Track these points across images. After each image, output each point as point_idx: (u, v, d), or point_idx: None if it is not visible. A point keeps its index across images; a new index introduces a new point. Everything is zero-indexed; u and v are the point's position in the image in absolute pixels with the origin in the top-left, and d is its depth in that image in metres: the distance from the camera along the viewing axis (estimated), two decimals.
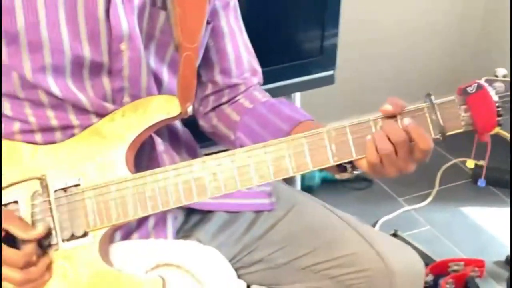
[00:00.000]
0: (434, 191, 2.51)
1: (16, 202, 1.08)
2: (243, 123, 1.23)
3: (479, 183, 2.53)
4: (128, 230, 1.15)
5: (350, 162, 1.04)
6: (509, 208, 2.36)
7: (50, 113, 1.11)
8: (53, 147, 1.11)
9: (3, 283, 1.05)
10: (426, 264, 1.91)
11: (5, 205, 1.08)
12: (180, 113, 1.12)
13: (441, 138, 1.00)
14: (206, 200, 1.19)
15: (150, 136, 1.18)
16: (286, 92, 1.91)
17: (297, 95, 2.05)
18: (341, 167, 1.06)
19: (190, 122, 1.31)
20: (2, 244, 1.03)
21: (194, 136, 1.33)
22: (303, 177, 2.36)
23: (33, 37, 1.05)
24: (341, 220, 1.28)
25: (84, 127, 1.12)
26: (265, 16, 1.80)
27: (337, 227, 1.27)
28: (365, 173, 1.04)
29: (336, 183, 2.51)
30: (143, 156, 1.17)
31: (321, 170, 1.04)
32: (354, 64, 2.54)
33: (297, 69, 1.92)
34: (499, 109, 0.99)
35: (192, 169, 1.05)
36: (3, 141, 1.12)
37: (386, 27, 2.65)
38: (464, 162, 2.64)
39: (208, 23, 1.20)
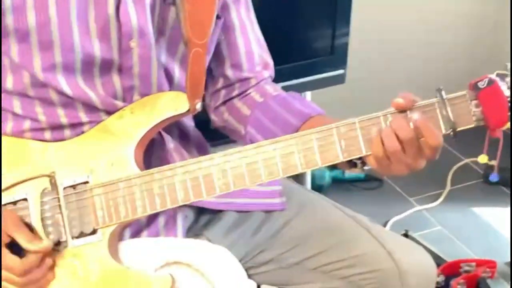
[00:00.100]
0: (446, 191, 2.49)
1: (25, 199, 1.09)
2: (253, 117, 1.22)
3: (491, 178, 2.52)
4: (137, 228, 1.15)
5: (360, 158, 1.03)
6: None
7: (60, 111, 1.12)
8: (62, 144, 1.12)
9: (3, 283, 1.05)
10: (437, 265, 1.89)
11: (15, 202, 1.09)
12: (189, 110, 1.11)
13: (452, 133, 0.99)
14: (216, 199, 1.20)
15: (160, 135, 1.18)
16: (296, 91, 1.89)
17: (308, 94, 2.05)
18: (351, 163, 1.05)
19: (201, 121, 1.31)
20: (4, 250, 1.03)
21: (204, 135, 1.32)
22: (313, 176, 2.35)
23: (44, 35, 1.05)
24: (353, 220, 1.28)
25: (93, 125, 1.12)
26: (275, 14, 1.80)
27: (348, 227, 1.26)
28: (374, 170, 1.03)
29: (346, 183, 2.51)
30: (153, 155, 1.17)
31: (331, 167, 1.03)
32: (365, 63, 2.53)
33: (307, 68, 1.92)
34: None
35: (200, 166, 1.05)
36: (12, 139, 1.12)
37: (397, 26, 2.64)
38: (475, 162, 2.63)
39: (218, 17, 1.19)
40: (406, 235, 2.20)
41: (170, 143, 1.20)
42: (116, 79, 1.12)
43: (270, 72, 1.30)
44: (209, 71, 1.24)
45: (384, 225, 2.31)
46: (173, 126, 1.22)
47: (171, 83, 1.18)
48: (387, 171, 1.01)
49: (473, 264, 2.00)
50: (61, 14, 1.05)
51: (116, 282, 1.07)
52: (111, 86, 1.12)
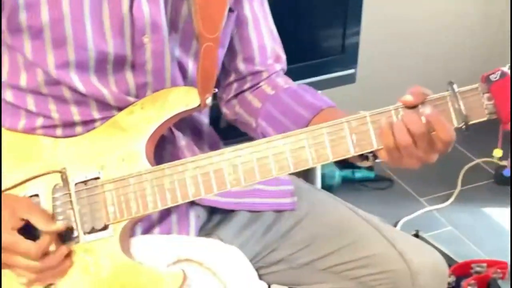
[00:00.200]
0: (456, 191, 2.48)
1: (37, 195, 1.09)
2: (264, 110, 1.22)
3: (505, 172, 2.50)
4: (149, 225, 1.15)
5: (371, 151, 1.02)
6: None
7: (74, 109, 1.12)
8: (73, 140, 1.12)
9: (18, 272, 1.05)
10: (448, 265, 1.88)
11: None
12: (200, 105, 1.11)
13: (464, 127, 0.98)
14: (227, 199, 1.20)
15: (171, 132, 1.18)
16: None
17: None
18: (362, 156, 1.04)
19: (214, 119, 1.31)
20: (17, 236, 1.03)
21: (217, 133, 1.32)
22: (323, 176, 2.34)
23: (57, 33, 1.06)
24: (364, 220, 1.27)
25: (105, 122, 1.12)
26: (286, 14, 1.80)
27: (359, 227, 1.26)
28: (385, 163, 1.03)
29: (356, 183, 2.50)
30: (164, 151, 1.17)
31: (341, 166, 1.03)
32: (375, 62, 2.52)
33: (318, 68, 1.92)
34: None
35: (211, 161, 1.05)
36: (23, 135, 1.13)
37: (407, 24, 2.63)
38: (486, 162, 2.61)
39: (231, 11, 1.19)
40: (416, 236, 2.19)
41: (182, 140, 1.20)
42: (129, 76, 1.12)
43: (282, 65, 1.30)
44: (221, 64, 1.23)
45: (394, 225, 2.30)
46: (186, 123, 1.21)
47: (184, 78, 1.17)
48: (398, 164, 1.00)
49: (484, 265, 2.00)
50: (74, 11, 1.05)
51: (127, 277, 1.07)
52: (124, 83, 1.12)
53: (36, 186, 1.09)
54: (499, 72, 0.96)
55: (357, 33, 1.93)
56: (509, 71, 0.96)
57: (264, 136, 1.18)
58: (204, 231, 1.22)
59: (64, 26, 1.05)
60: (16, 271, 1.06)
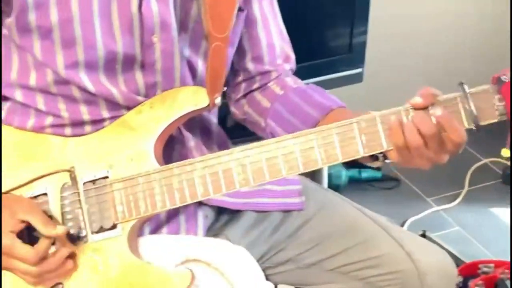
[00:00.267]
0: (464, 192, 2.48)
1: (45, 194, 1.09)
2: (273, 110, 1.22)
3: None
4: (157, 225, 1.15)
5: (381, 152, 1.02)
6: None
7: (83, 108, 1.12)
8: (81, 139, 1.12)
9: (18, 275, 1.05)
10: (456, 266, 1.89)
11: (35, 197, 1.09)
12: (208, 105, 1.11)
13: (475, 128, 0.98)
14: (235, 199, 1.19)
15: (180, 133, 1.18)
16: None
17: None
18: (372, 156, 1.04)
19: (221, 118, 1.31)
20: (15, 240, 1.03)
21: (227, 133, 1.32)
22: (330, 176, 2.34)
23: (67, 33, 1.06)
24: (371, 220, 1.27)
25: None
26: (294, 13, 1.80)
27: (367, 227, 1.26)
28: (395, 164, 1.02)
29: (363, 183, 2.50)
30: (173, 151, 1.17)
31: (348, 166, 1.03)
32: (383, 61, 2.52)
33: (325, 67, 1.92)
34: None
35: (220, 161, 1.04)
36: (32, 134, 1.13)
37: (415, 23, 2.63)
38: (494, 163, 2.61)
39: (241, 10, 1.19)
40: (423, 236, 2.18)
41: (191, 141, 1.20)
42: (138, 75, 1.12)
43: (291, 65, 1.30)
44: (231, 64, 1.23)
45: (401, 225, 2.30)
46: (195, 122, 1.21)
47: (194, 77, 1.17)
48: (409, 164, 1.00)
49: (492, 265, 1.99)
50: (83, 11, 1.05)
51: (136, 277, 1.07)
52: (133, 82, 1.12)
53: (44, 185, 1.09)
54: (510, 73, 0.96)
55: (365, 32, 1.93)
56: None
57: (273, 136, 1.18)
58: (212, 231, 1.22)
59: (73, 26, 1.06)
60: (17, 274, 1.06)
